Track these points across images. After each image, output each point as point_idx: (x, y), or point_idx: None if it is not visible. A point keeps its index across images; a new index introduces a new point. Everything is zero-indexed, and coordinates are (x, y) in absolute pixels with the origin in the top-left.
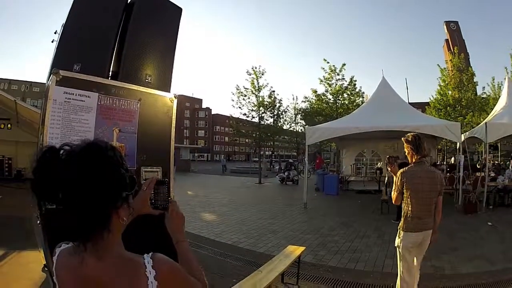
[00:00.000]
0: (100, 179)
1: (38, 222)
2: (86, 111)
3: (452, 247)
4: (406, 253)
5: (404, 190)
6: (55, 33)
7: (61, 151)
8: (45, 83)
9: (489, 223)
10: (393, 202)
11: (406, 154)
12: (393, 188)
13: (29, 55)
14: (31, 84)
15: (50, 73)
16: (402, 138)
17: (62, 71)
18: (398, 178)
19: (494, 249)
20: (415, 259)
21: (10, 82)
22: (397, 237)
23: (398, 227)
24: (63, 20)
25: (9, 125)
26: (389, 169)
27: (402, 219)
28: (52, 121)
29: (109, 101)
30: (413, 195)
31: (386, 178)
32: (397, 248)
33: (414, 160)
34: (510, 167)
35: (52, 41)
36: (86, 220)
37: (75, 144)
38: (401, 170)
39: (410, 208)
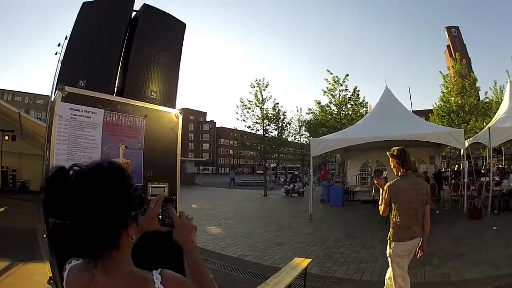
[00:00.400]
0: (110, 199)
1: (44, 235)
2: (92, 128)
3: (458, 253)
4: (399, 261)
5: (392, 203)
6: (58, 45)
7: (71, 171)
8: (48, 95)
9: (494, 228)
10: (380, 213)
11: (392, 167)
12: (380, 201)
13: (30, 64)
14: (35, 96)
15: (56, 89)
16: (388, 153)
17: (68, 87)
18: (385, 191)
19: (499, 253)
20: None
21: (14, 93)
22: (387, 248)
23: (388, 238)
24: (63, 32)
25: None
26: (375, 182)
27: (391, 229)
28: (59, 137)
29: (115, 118)
30: (400, 207)
31: (373, 190)
32: (389, 258)
33: (400, 174)
34: None
35: (56, 53)
36: (96, 238)
37: (85, 164)
38: (388, 183)
39: (398, 219)
